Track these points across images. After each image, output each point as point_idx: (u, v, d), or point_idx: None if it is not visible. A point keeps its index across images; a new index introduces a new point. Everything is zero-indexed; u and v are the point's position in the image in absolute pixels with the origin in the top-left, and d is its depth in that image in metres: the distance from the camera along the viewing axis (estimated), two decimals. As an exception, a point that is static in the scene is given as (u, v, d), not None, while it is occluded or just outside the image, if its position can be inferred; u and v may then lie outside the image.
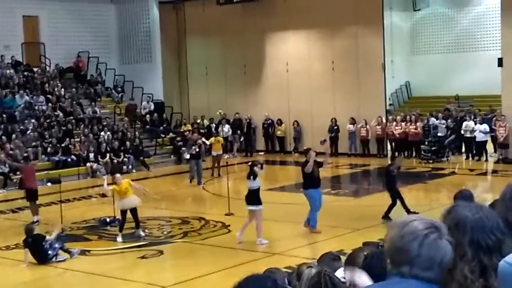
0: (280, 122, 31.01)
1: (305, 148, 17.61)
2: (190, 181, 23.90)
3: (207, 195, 22.50)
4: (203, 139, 25.31)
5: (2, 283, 13.59)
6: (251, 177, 15.07)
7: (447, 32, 35.24)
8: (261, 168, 15.80)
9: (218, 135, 28.10)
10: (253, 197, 15.06)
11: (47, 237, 14.48)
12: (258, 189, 15.16)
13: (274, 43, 31.42)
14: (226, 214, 17.92)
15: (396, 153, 28.37)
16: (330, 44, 29.71)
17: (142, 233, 16.30)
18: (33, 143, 26.57)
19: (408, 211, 16.28)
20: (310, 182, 15.83)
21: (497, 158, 25.89)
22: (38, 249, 14.22)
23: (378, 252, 3.90)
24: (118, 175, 17.19)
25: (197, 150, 23.90)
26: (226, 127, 31.20)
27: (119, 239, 15.94)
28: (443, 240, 2.44)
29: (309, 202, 15.96)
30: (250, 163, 15.98)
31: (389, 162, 18.41)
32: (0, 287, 13.49)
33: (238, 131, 31.46)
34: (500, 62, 25.90)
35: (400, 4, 35.58)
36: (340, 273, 4.84)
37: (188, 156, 24.92)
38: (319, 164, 16.10)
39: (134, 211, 16.16)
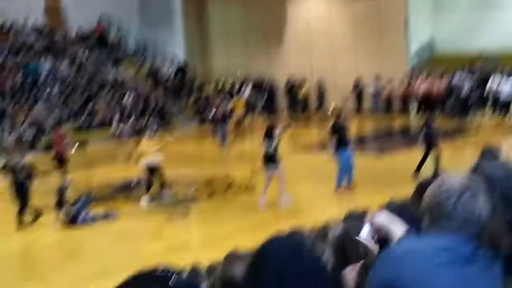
0: (303, 82, 30.90)
1: (338, 109, 17.47)
2: (222, 146, 23.41)
3: (231, 155, 22.60)
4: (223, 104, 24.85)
5: (29, 243, 13.88)
6: (267, 138, 14.96)
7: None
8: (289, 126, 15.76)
9: (239, 97, 28.03)
10: (269, 160, 14.91)
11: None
12: (275, 151, 14.99)
13: (295, 4, 31.16)
14: (251, 173, 18.01)
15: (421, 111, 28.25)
16: (352, 3, 29.39)
17: (167, 196, 16.38)
18: (58, 108, 26.78)
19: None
20: (337, 142, 15.80)
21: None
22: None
23: (404, 205, 3.91)
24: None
25: (216, 113, 23.60)
26: (247, 89, 31.18)
27: (144, 202, 15.99)
28: (479, 197, 2.47)
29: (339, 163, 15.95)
30: (268, 124, 15.81)
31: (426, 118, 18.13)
32: (27, 248, 13.78)
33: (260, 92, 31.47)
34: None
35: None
36: (365, 232, 4.88)
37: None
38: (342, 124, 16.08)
39: (157, 170, 16.20)
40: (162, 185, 16.37)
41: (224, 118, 23.78)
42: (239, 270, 3.52)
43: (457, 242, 2.44)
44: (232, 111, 25.87)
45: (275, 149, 14.85)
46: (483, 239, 2.56)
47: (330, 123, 16.11)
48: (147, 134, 16.28)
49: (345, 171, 15.91)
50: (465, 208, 2.45)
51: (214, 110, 23.75)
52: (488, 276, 2.47)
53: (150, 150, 16.10)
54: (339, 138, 15.75)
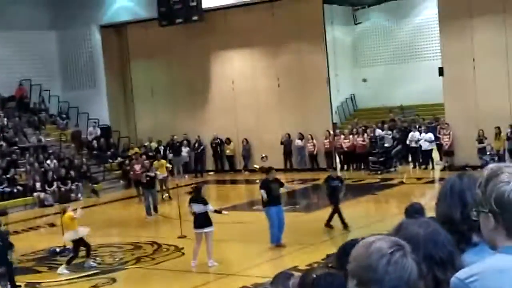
0: (228, 141, 30.97)
1: (268, 167, 17.68)
2: (148, 213, 21.93)
3: (158, 219, 22.25)
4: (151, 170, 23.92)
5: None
6: (199, 201, 14.92)
7: (389, 44, 35.87)
8: (220, 212, 15.82)
9: (161, 159, 27.51)
10: (201, 220, 14.85)
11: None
12: (206, 212, 14.97)
13: (219, 62, 31.45)
14: (178, 237, 17.74)
15: (345, 166, 28.67)
16: (274, 61, 29.88)
17: (93, 263, 15.91)
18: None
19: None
20: (269, 200, 15.90)
21: (443, 166, 26.32)
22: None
23: (327, 274, 3.88)
24: (68, 205, 16.96)
25: (151, 175, 22.75)
26: (185, 150, 31.13)
27: (64, 270, 15.46)
28: (408, 258, 2.44)
29: (269, 219, 15.99)
30: (194, 186, 15.81)
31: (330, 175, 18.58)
32: None
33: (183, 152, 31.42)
34: (440, 71, 26.40)
35: (341, 18, 36.08)
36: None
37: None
38: (280, 183, 16.28)
39: (82, 240, 15.81)
40: (88, 254, 15.85)
41: (152, 182, 22.84)
42: None
43: None
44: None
45: (206, 211, 14.85)
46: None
47: (260, 180, 16.25)
48: (72, 198, 15.90)
49: (276, 227, 15.92)
50: (396, 270, 2.41)
51: (140, 173, 23.01)
52: None
53: (73, 222, 15.73)
54: (268, 194, 15.83)
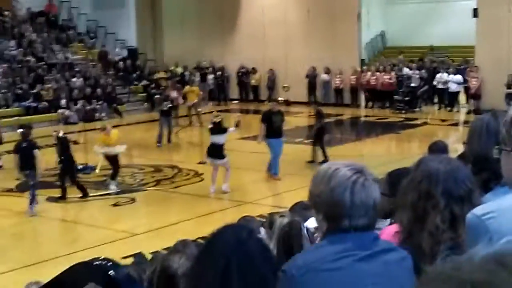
0: (254, 70, 30.84)
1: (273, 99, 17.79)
2: (158, 142, 21.32)
3: (180, 144, 22.44)
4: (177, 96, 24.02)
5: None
6: (219, 132, 14.97)
7: (424, -18, 35.04)
8: (237, 125, 15.89)
9: (192, 84, 27.61)
10: (216, 151, 14.95)
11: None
12: (223, 145, 15.06)
13: (249, -10, 31.04)
14: (199, 163, 17.90)
15: (370, 103, 28.51)
16: (306, -8, 29.43)
17: (115, 187, 15.91)
18: (3, 89, 26.19)
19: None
20: (270, 132, 16.05)
21: (469, 109, 26.08)
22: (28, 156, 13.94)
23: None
24: (108, 126, 16.93)
25: (169, 106, 21.90)
26: (210, 77, 30.99)
27: (113, 186, 15.59)
28: (369, 182, 2.45)
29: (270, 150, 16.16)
30: (219, 118, 15.69)
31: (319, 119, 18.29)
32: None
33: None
34: (475, 13, 25.88)
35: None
36: (312, 222, 4.87)
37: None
38: (282, 116, 16.43)
39: (115, 158, 15.92)
40: (114, 175, 16.00)
41: (170, 110, 21.98)
42: (177, 260, 3.45)
43: (355, 241, 2.43)
44: (184, 98, 25.43)
45: (223, 143, 14.98)
46: (420, 236, 2.56)
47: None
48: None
49: (278, 158, 16.04)
50: (362, 198, 2.43)
51: (163, 102, 22.12)
52: (396, 270, 2.45)
53: (116, 142, 15.84)
54: (270, 126, 15.89)
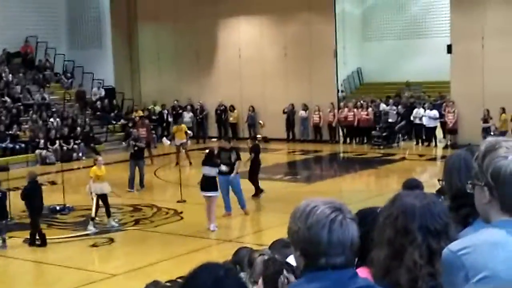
0: (232, 108, 30.93)
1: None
2: (130, 187, 19.92)
3: (159, 182, 22.33)
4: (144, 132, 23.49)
5: None
6: (210, 164, 15.09)
7: (398, 19, 35.58)
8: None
9: (180, 123, 27.17)
10: (209, 183, 15.05)
11: None
12: (214, 177, 15.18)
13: (226, 29, 31.30)
14: (178, 201, 17.83)
15: (348, 139, 28.67)
16: (283, 30, 29.73)
17: (115, 223, 15.91)
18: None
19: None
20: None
21: (446, 144, 26.30)
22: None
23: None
24: (100, 158, 16.96)
25: (136, 147, 20.23)
26: (188, 115, 30.81)
27: (91, 227, 15.47)
28: (347, 220, 2.44)
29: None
30: (207, 150, 15.99)
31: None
32: None
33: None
34: (449, 49, 26.27)
35: (352, -10, 35.75)
36: (291, 259, 4.85)
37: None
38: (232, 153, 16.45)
39: (105, 197, 15.83)
40: (108, 213, 15.90)
41: (139, 152, 20.46)
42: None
43: (332, 281, 2.41)
44: (173, 137, 25.14)
45: (214, 176, 15.14)
46: (398, 271, 2.56)
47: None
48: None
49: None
50: (339, 237, 2.42)
51: (130, 143, 20.77)
52: None
53: (102, 177, 15.79)
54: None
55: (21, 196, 14.41)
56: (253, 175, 18.08)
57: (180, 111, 31.42)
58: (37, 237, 14.32)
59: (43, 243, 14.31)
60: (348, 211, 2.47)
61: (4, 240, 14.08)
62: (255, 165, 18.22)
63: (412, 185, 6.50)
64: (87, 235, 15.25)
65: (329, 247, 2.40)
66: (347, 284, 2.43)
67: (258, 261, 5.61)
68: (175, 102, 31.66)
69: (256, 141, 18.65)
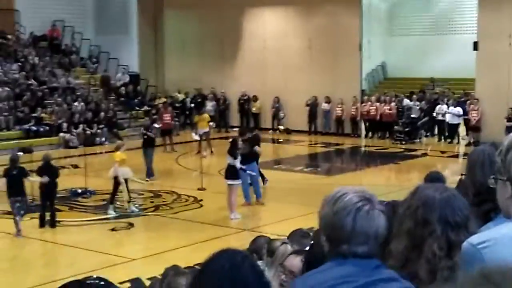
0: (255, 98, 30.93)
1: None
2: (147, 176, 19.67)
3: (180, 169, 22.44)
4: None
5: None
6: (231, 154, 15.21)
7: (424, 14, 35.32)
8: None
9: (203, 112, 27.16)
10: (230, 172, 15.21)
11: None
12: (234, 166, 15.29)
13: (251, 19, 31.28)
14: (198, 189, 17.91)
15: (370, 133, 28.57)
16: (308, 22, 29.66)
17: (135, 208, 16.08)
18: (5, 112, 26.28)
19: None
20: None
21: (469, 141, 26.12)
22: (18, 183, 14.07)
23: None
24: (122, 145, 17.21)
25: (150, 134, 20.39)
26: (210, 104, 30.79)
27: (112, 212, 15.63)
28: (375, 211, 2.46)
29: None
30: (231, 139, 16.12)
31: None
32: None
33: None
34: (475, 46, 26.06)
35: (379, -16, 35.54)
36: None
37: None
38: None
39: (126, 182, 15.98)
40: (130, 198, 16.08)
41: (151, 140, 20.49)
42: (181, 284, 3.46)
43: (355, 268, 2.43)
44: (195, 125, 25.18)
45: (234, 165, 15.23)
46: (417, 263, 2.57)
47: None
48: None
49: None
50: (363, 226, 2.44)
51: (148, 129, 20.70)
52: None
53: (124, 162, 15.99)
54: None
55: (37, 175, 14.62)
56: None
57: (200, 99, 31.41)
58: (48, 218, 14.50)
59: (52, 224, 14.48)
60: (377, 202, 2.49)
61: (18, 223, 13.94)
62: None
63: (434, 178, 6.48)
64: (107, 219, 15.39)
65: (352, 235, 2.42)
66: (371, 273, 2.44)
67: (280, 249, 5.64)
68: (195, 90, 31.59)
69: (253, 133, 18.50)
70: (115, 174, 15.76)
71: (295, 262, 4.50)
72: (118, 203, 16.33)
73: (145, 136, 20.36)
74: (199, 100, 31.44)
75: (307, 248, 4.24)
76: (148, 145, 20.29)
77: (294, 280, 2.54)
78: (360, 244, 2.43)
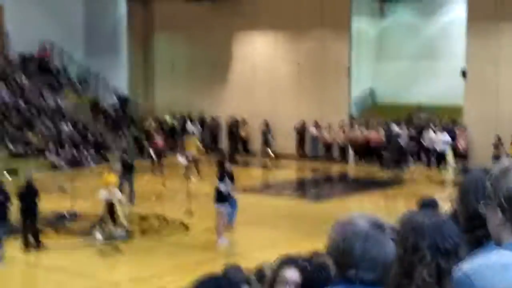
0: (244, 122, 30.95)
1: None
2: (130, 200, 18.98)
3: (168, 193, 22.33)
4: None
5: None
6: (222, 177, 15.17)
7: (413, 40, 35.58)
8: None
9: (191, 136, 27.06)
10: (218, 196, 15.15)
11: None
12: (220, 191, 15.21)
13: (241, 43, 31.43)
14: (185, 212, 17.82)
15: (358, 158, 28.59)
16: (297, 47, 29.83)
17: (122, 233, 15.89)
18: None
19: None
20: None
21: (457, 168, 26.17)
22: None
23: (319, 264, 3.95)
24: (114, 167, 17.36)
25: (126, 158, 20.12)
26: (194, 127, 30.73)
27: (99, 235, 15.52)
28: (385, 238, 2.44)
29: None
30: (218, 161, 16.07)
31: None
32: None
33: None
34: (463, 73, 26.25)
35: (368, 10, 35.79)
36: (290, 274, 4.85)
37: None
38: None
39: (113, 207, 15.95)
40: (115, 221, 15.98)
41: (131, 166, 20.03)
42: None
43: None
44: (183, 148, 25.16)
45: (220, 190, 15.15)
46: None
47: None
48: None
49: None
50: (372, 253, 2.42)
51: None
52: None
53: (112, 183, 15.92)
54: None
55: (17, 196, 14.50)
56: None
57: (187, 122, 31.40)
58: (30, 240, 14.39)
59: (37, 244, 14.44)
60: (389, 231, 2.48)
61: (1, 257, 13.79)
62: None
63: (427, 203, 6.43)
64: (93, 242, 15.25)
65: (361, 261, 2.41)
66: None
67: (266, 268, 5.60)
68: (178, 115, 31.64)
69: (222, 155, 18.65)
70: (109, 197, 15.69)
71: (290, 272, 4.50)
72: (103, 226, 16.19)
73: (123, 161, 20.04)
74: (187, 123, 31.45)
75: (306, 269, 4.21)
76: (127, 170, 19.80)
77: None
78: (368, 270, 2.42)
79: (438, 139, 26.67)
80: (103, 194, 15.82)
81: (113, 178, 16.21)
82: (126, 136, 30.21)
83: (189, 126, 30.75)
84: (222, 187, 15.11)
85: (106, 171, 16.90)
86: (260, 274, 6.14)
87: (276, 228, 16.45)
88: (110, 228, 15.90)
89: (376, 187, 23.27)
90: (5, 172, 23.25)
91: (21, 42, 31.21)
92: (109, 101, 32.16)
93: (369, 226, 2.45)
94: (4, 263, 13.67)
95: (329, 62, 28.83)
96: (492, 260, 2.36)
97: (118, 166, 19.27)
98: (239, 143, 31.35)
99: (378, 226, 2.47)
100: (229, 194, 15.27)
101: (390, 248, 2.45)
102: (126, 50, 33.39)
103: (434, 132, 27.23)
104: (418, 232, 2.69)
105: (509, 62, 24.96)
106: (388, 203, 21.51)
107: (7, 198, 14.22)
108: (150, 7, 34.06)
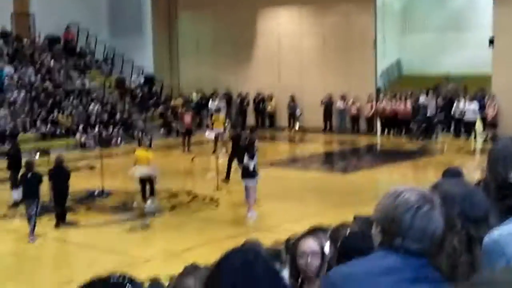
0: (270, 97, 30.93)
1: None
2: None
3: (197, 170, 22.48)
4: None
5: None
6: (249, 152, 15.23)
7: (439, 11, 35.15)
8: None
9: (218, 113, 27.08)
10: (245, 172, 15.24)
11: None
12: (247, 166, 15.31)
13: (266, 19, 31.30)
14: (215, 188, 17.95)
15: (386, 131, 28.48)
16: (322, 21, 29.64)
17: (153, 208, 16.23)
18: (22, 115, 26.45)
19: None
20: None
21: (486, 138, 25.98)
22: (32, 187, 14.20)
23: (355, 232, 3.95)
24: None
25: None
26: (215, 102, 30.67)
27: (151, 205, 15.97)
28: (435, 212, 2.46)
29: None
30: (250, 139, 16.10)
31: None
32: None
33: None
34: (491, 42, 25.92)
35: (393, -19, 35.41)
36: (326, 247, 4.87)
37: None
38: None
39: (149, 181, 16.36)
40: (152, 195, 16.37)
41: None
42: (191, 283, 3.46)
43: (403, 262, 2.42)
44: (211, 125, 25.23)
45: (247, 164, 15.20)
46: (438, 258, 2.56)
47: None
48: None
49: None
50: (421, 224, 2.44)
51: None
52: None
53: (144, 160, 16.17)
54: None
55: (48, 178, 14.71)
56: (229, 161, 18.91)
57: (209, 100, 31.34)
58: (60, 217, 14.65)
59: (58, 223, 14.64)
60: (438, 205, 2.50)
61: (33, 230, 14.03)
62: (232, 152, 18.87)
63: (453, 173, 6.43)
64: (125, 219, 15.46)
65: (409, 230, 2.43)
66: (418, 271, 2.45)
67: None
68: (204, 92, 31.61)
69: (237, 131, 18.89)
70: (148, 173, 16.00)
71: (307, 242, 4.52)
72: (135, 202, 16.42)
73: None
74: (208, 100, 31.36)
75: (340, 240, 4.23)
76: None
77: (340, 265, 2.55)
78: (415, 241, 2.44)
79: (467, 108, 26.42)
80: (144, 170, 15.99)
81: (145, 153, 16.44)
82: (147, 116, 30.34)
83: (216, 103, 30.70)
84: (251, 164, 15.14)
85: (139, 148, 17.10)
86: (288, 245, 6.18)
87: (304, 201, 16.48)
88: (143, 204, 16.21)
89: (405, 158, 23.17)
90: (36, 152, 23.56)
91: (47, 25, 31.43)
92: (135, 80, 32.28)
93: (420, 198, 2.47)
94: (36, 240, 13.91)
95: (355, 36, 28.62)
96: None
97: (147, 142, 19.95)
98: (266, 118, 31.37)
99: (428, 199, 2.49)
100: (253, 171, 15.28)
101: (439, 223, 2.47)
102: (151, 30, 33.44)
103: (463, 101, 26.97)
104: (448, 201, 2.70)
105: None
106: (417, 174, 21.42)
107: (38, 178, 14.43)
108: (174, -15, 34.02)
